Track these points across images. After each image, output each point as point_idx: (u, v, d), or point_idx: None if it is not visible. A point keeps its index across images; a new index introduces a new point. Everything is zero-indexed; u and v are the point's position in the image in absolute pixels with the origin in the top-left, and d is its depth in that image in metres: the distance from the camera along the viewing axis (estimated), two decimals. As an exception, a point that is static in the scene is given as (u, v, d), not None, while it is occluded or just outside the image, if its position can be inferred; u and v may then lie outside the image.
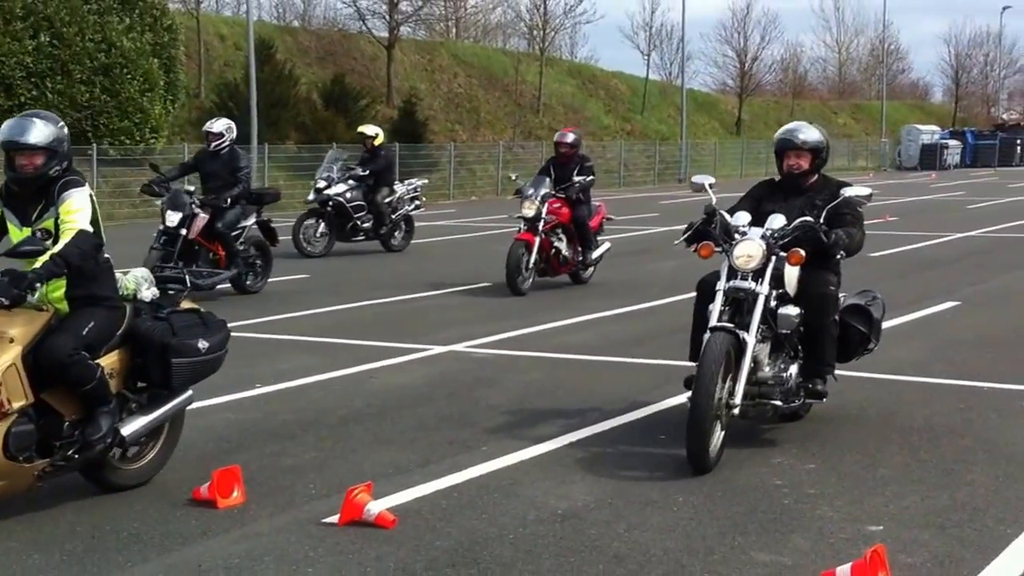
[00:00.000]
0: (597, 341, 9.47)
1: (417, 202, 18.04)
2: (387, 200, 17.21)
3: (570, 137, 13.34)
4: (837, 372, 6.52)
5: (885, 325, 6.73)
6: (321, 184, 16.86)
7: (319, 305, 11.69)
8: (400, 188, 17.66)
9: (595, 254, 13.25)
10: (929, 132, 61.26)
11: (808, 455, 6.02)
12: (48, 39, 26.65)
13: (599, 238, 13.42)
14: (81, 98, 26.98)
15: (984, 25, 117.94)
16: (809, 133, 6.32)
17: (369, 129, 17.94)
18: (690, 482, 5.52)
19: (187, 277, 6.79)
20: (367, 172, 17.03)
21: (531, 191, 12.65)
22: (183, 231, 11.84)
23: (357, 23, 40.80)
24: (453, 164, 36.20)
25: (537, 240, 12.49)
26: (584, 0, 64.08)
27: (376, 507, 4.95)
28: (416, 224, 18.36)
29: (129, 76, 27.79)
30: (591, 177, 13.05)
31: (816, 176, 6.36)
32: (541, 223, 12.49)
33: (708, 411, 5.42)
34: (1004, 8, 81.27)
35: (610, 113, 50.02)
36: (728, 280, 5.79)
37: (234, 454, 5.99)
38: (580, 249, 13.06)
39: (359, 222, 16.94)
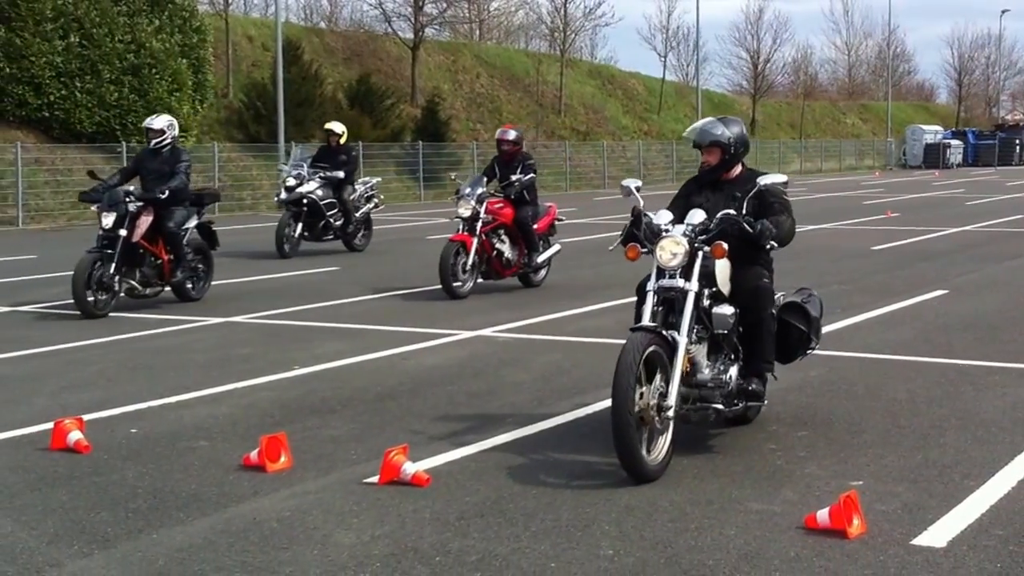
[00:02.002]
0: (614, 326, 9.96)
1: (376, 200, 17.64)
2: (351, 198, 16.90)
3: (511, 134, 12.80)
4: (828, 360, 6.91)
5: (877, 312, 7.19)
6: (291, 182, 16.34)
7: (350, 295, 12.25)
8: (359, 187, 17.27)
9: (542, 256, 12.69)
10: (932, 132, 61.73)
11: (800, 424, 6.55)
12: (78, 40, 27.17)
13: (551, 239, 12.90)
14: (110, 97, 27.50)
15: (985, 28, 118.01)
16: (715, 129, 6.15)
17: (336, 126, 17.47)
18: (694, 446, 5.99)
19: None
20: (345, 174, 16.60)
21: (467, 190, 12.10)
22: (122, 232, 10.90)
23: (383, 24, 41.41)
24: (476, 162, 36.72)
25: (475, 241, 11.91)
26: (603, 3, 64.54)
27: (411, 468, 5.42)
28: (441, 219, 18.65)
29: (158, 76, 28.30)
30: (531, 175, 12.47)
31: (739, 169, 6.25)
32: (479, 224, 11.94)
33: (627, 415, 5.18)
34: (1003, 11, 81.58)
35: (628, 113, 50.44)
36: (657, 280, 5.66)
37: (279, 427, 6.38)
38: (526, 251, 12.51)
39: (331, 220, 16.58)
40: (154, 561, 4.50)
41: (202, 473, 5.68)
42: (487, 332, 9.92)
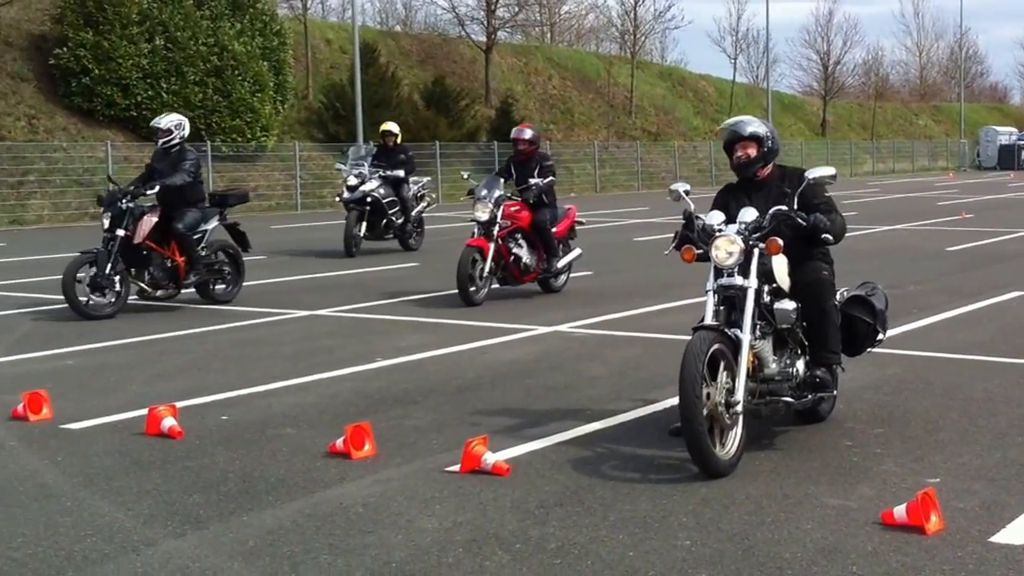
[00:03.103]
0: (689, 323, 9.80)
1: (428, 200, 17.55)
2: (409, 196, 16.84)
3: (527, 133, 12.05)
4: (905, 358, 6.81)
5: (953, 312, 7.06)
6: (353, 181, 16.29)
7: (430, 290, 12.35)
8: (412, 187, 17.19)
9: (562, 262, 12.01)
10: (1007, 133, 60.43)
11: (876, 421, 6.47)
12: (163, 43, 27.75)
13: (571, 242, 12.24)
14: (195, 98, 28.05)
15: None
16: (752, 124, 6.15)
17: (393, 126, 17.53)
18: (769, 442, 5.98)
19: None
20: (405, 173, 16.55)
21: (484, 192, 11.39)
22: (119, 232, 10.56)
23: (456, 28, 41.71)
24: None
25: (492, 246, 11.26)
26: (673, 6, 64.19)
27: (492, 458, 5.47)
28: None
29: (240, 78, 28.81)
30: (550, 178, 11.77)
31: (771, 168, 6.20)
32: (496, 228, 11.30)
33: (695, 411, 5.20)
34: (1075, 13, 78.98)
35: (699, 114, 50.13)
36: (716, 279, 5.66)
37: (362, 416, 6.47)
38: (545, 256, 11.82)
39: (393, 218, 16.51)
40: (244, 542, 4.60)
41: (290, 459, 5.78)
42: (564, 328, 9.95)
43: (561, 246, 12.02)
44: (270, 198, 30.09)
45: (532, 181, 11.66)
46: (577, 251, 12.27)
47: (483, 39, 40.03)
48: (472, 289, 11.04)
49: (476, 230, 11.39)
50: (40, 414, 6.66)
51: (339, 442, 5.84)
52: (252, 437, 6.25)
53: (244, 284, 11.87)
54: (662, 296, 11.81)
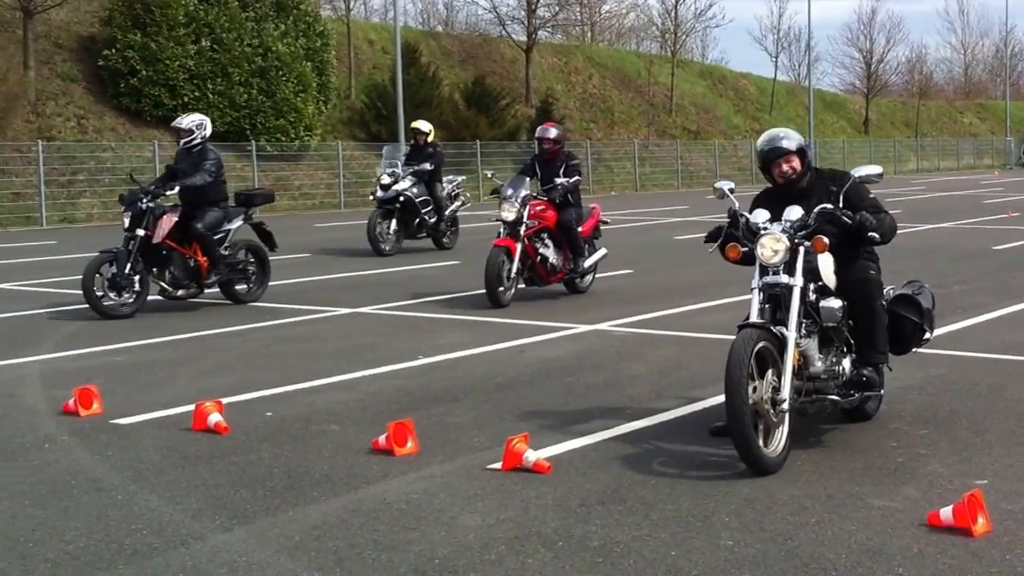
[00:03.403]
0: (730, 322, 9.78)
1: (462, 199, 17.49)
2: (442, 195, 16.83)
3: (553, 132, 11.85)
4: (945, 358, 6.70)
5: (999, 312, 6.95)
6: (387, 180, 16.26)
7: (469, 288, 12.36)
8: (446, 186, 17.15)
9: (588, 261, 11.82)
10: (1053, 131, 59.41)
11: (921, 422, 6.39)
12: (209, 44, 28.02)
13: (596, 242, 12.06)
14: (239, 99, 28.30)
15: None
16: (791, 136, 6.06)
17: (423, 125, 17.28)
18: (812, 440, 5.92)
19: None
20: (433, 167, 16.50)
21: (510, 192, 11.21)
22: (139, 232, 10.51)
23: (497, 28, 41.78)
24: (590, 161, 36.74)
25: (519, 246, 11.08)
26: (714, 5, 63.81)
27: (533, 455, 5.47)
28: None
29: (284, 78, 29.02)
30: (576, 177, 11.61)
31: (809, 173, 6.09)
32: (523, 227, 11.13)
33: (742, 408, 5.20)
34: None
35: (739, 113, 49.83)
36: (761, 277, 5.64)
37: (404, 414, 6.49)
38: (571, 256, 11.62)
39: (426, 218, 16.48)
40: (291, 537, 4.64)
41: (334, 455, 5.82)
42: (604, 326, 9.93)
43: (586, 246, 11.86)
44: (313, 197, 30.28)
45: (558, 180, 11.49)
46: (603, 251, 12.13)
47: (524, 39, 40.05)
48: (500, 290, 10.91)
49: (502, 230, 11.24)
50: (91, 409, 6.75)
51: (382, 439, 5.87)
52: (297, 433, 6.29)
53: (288, 281, 11.98)
54: (703, 295, 11.74)
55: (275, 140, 29.18)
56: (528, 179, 11.68)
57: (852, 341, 6.01)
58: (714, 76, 51.60)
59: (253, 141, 27.93)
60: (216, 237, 11.02)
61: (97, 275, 10.44)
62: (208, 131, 11.21)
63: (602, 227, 12.30)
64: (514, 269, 11.05)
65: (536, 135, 12.05)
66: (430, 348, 8.86)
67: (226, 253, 11.14)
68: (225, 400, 6.73)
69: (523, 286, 11.47)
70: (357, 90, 34.50)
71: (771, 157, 6.02)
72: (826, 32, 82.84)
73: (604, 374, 7.88)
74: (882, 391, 6.20)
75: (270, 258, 11.82)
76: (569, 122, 39.23)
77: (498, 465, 5.52)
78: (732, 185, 6.29)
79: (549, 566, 4.30)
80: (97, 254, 10.58)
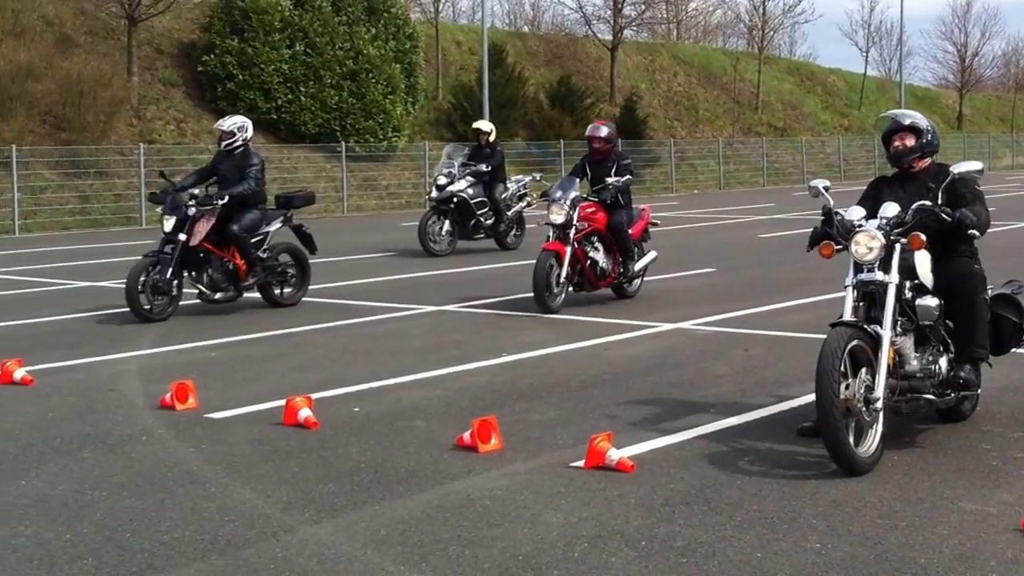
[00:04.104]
0: (815, 321, 9.65)
1: (528, 199, 17.04)
2: (503, 197, 16.52)
3: (603, 131, 11.24)
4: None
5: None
6: (442, 180, 16.03)
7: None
8: (512, 186, 16.85)
9: (638, 265, 11.25)
10: None
11: (1017, 424, 6.18)
12: (303, 48, 28.42)
13: (644, 245, 11.49)
14: (331, 101, 28.64)
15: None
16: (912, 115, 6.11)
17: (484, 125, 17.01)
18: (903, 442, 5.77)
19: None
20: (489, 168, 16.20)
21: (559, 193, 10.61)
22: (181, 236, 10.33)
23: (583, 27, 41.65)
24: (674, 159, 36.42)
25: (568, 250, 10.48)
26: (803, 0, 62.60)
27: (616, 454, 5.42)
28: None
29: (374, 80, 29.29)
30: (627, 177, 11.00)
31: (928, 162, 6.09)
32: (572, 231, 10.53)
33: (832, 407, 5.10)
34: None
35: (827, 109, 48.88)
36: (855, 275, 5.56)
37: (489, 411, 6.49)
38: (620, 259, 11.04)
39: (482, 219, 16.10)
40: (377, 531, 4.66)
41: (419, 451, 5.84)
42: (687, 325, 9.81)
43: (636, 249, 11.27)
44: (400, 196, 30.54)
45: (609, 180, 10.89)
46: (652, 254, 11.51)
47: (609, 38, 39.84)
48: (548, 295, 10.33)
49: (552, 233, 10.67)
50: (186, 403, 6.88)
51: (466, 435, 5.88)
52: (383, 429, 6.33)
53: (375, 280, 12.00)
54: (786, 294, 11.53)
55: (364, 141, 29.49)
56: (578, 180, 11.12)
57: (949, 340, 5.90)
58: (802, 72, 50.70)
59: (343, 142, 28.27)
60: (254, 240, 10.82)
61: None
62: (250, 133, 11.01)
63: (652, 229, 11.76)
64: (563, 274, 10.48)
65: (586, 134, 11.51)
66: (514, 346, 8.85)
67: (264, 256, 10.93)
68: (314, 396, 6.80)
69: (571, 290, 10.90)
70: (444, 91, 34.68)
71: (889, 130, 6.05)
72: (919, 26, 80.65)
73: (687, 373, 7.78)
74: (979, 391, 6.04)
75: (310, 260, 11.60)
76: (653, 120, 38.93)
77: (581, 463, 5.48)
78: (827, 183, 6.24)
79: (632, 565, 4.25)
80: (140, 258, 10.46)
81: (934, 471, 5.35)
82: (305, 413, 6.38)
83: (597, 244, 10.92)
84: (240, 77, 27.72)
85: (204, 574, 4.24)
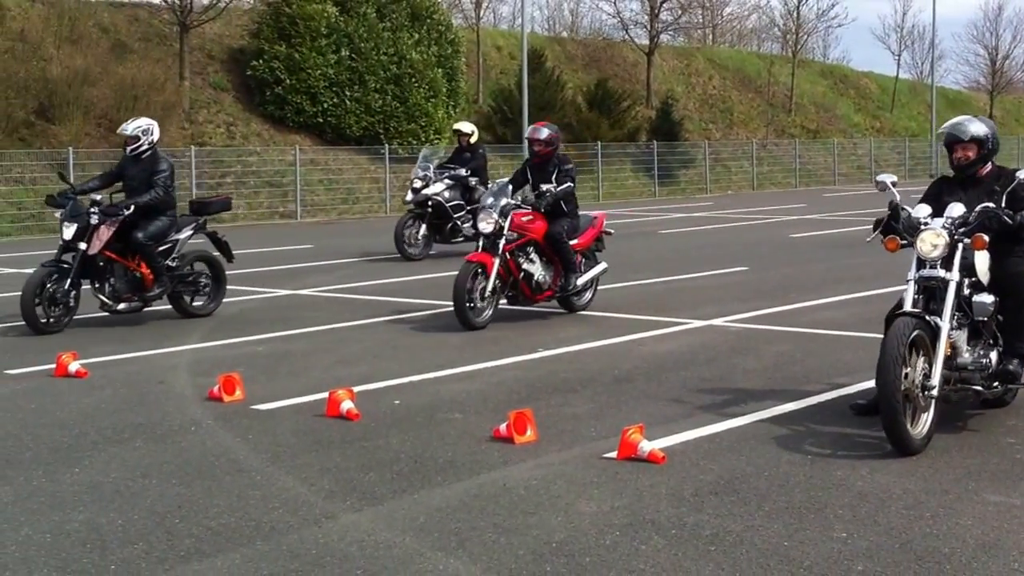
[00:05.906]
0: (847, 319, 9.64)
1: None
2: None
3: (543, 133, 10.15)
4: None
5: None
6: (418, 184, 15.32)
7: (588, 285, 12.34)
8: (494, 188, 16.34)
9: (583, 278, 10.09)
10: None
11: (1043, 419, 6.15)
12: (348, 53, 28.57)
13: (597, 255, 10.40)
14: (375, 104, 28.78)
15: None
16: (972, 126, 6.11)
17: (465, 126, 16.14)
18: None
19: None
20: (468, 171, 15.40)
21: (489, 200, 9.76)
22: (82, 245, 9.56)
23: (620, 32, 41.54)
24: (708, 161, 36.24)
25: (496, 261, 9.48)
26: (836, 4, 62.13)
27: (648, 446, 5.44)
28: (674, 215, 18.34)
29: (416, 85, 29.39)
30: (568, 184, 9.89)
31: (990, 166, 6.16)
32: (503, 241, 9.57)
33: (894, 391, 5.24)
34: None
35: (860, 111, 48.38)
36: (918, 270, 5.70)
37: (524, 404, 6.55)
38: (564, 272, 9.97)
39: (459, 222, 15.17)
40: (416, 519, 4.70)
41: (457, 442, 5.88)
42: (718, 322, 9.77)
43: (583, 260, 10.21)
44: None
45: (545, 187, 9.90)
46: (602, 265, 10.37)
47: (646, 42, 39.71)
48: (471, 308, 9.36)
49: (480, 243, 9.75)
50: (233, 395, 6.97)
51: (503, 427, 5.91)
52: (422, 421, 6.38)
53: (413, 278, 11.89)
54: (817, 292, 11.44)
55: (407, 144, 29.62)
56: (511, 187, 10.00)
57: (999, 335, 6.04)
58: (835, 75, 50.22)
59: (386, 144, 28.41)
60: (162, 248, 9.98)
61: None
62: (156, 136, 10.04)
63: (605, 237, 10.69)
64: (488, 287, 9.48)
65: (526, 135, 10.57)
66: (549, 341, 8.87)
67: (173, 264, 10.11)
68: (356, 388, 6.85)
69: (506, 304, 10.03)
70: (485, 94, 34.74)
71: (949, 142, 6.13)
72: (951, 30, 79.96)
73: (718, 368, 7.76)
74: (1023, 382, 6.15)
75: (226, 270, 10.78)
76: (688, 123, 38.75)
77: (614, 454, 5.50)
78: (895, 178, 6.31)
79: (662, 553, 4.26)
80: (39, 267, 9.63)
81: (958, 464, 5.32)
82: (347, 405, 6.44)
83: (533, 255, 9.90)
84: (287, 81, 27.94)
85: (249, 559, 4.30)
